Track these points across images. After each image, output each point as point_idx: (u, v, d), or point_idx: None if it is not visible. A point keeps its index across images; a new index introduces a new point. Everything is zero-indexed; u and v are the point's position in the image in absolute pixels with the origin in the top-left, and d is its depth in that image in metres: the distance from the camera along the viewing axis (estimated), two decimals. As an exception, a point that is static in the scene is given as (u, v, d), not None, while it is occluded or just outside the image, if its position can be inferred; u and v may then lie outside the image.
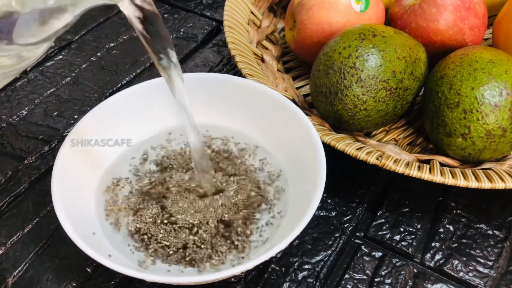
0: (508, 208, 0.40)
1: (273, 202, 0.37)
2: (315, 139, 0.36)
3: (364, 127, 0.41)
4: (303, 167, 0.37)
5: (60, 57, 0.53)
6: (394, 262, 0.37)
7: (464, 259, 0.37)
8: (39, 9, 0.25)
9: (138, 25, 0.26)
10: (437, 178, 0.37)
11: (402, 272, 0.37)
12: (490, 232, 0.39)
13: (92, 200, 0.37)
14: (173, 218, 0.36)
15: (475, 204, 0.40)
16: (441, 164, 0.40)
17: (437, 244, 0.38)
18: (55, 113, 0.47)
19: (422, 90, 0.42)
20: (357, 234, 0.39)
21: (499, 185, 0.37)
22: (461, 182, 0.37)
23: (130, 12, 0.26)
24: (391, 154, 0.39)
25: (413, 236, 0.39)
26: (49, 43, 0.30)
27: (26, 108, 0.48)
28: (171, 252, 0.34)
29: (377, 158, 0.38)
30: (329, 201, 0.41)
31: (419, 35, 0.43)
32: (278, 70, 0.49)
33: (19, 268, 0.37)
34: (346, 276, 0.36)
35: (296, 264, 0.37)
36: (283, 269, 0.37)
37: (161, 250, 0.34)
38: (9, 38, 0.26)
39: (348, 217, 0.40)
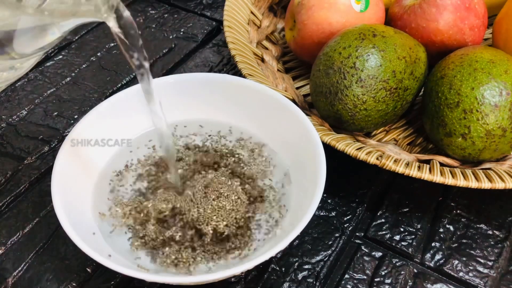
0: (508, 208, 0.40)
1: (273, 202, 0.37)
2: (315, 139, 0.36)
3: (364, 127, 0.41)
4: (303, 167, 0.37)
5: (60, 57, 0.53)
6: (394, 262, 0.37)
7: (464, 259, 0.37)
8: (29, 26, 0.27)
9: (122, 38, 0.29)
10: (437, 178, 0.37)
11: (402, 272, 0.37)
12: (490, 232, 0.39)
13: (92, 200, 0.37)
14: (173, 218, 0.36)
15: (475, 204, 0.40)
16: (441, 164, 0.40)
17: (437, 244, 0.38)
18: (55, 113, 0.47)
19: (422, 90, 0.42)
20: (357, 234, 0.39)
21: (499, 185, 0.37)
22: (461, 182, 0.37)
23: (115, 27, 0.29)
24: (391, 154, 0.39)
25: (413, 236, 0.39)
26: (42, 53, 0.31)
27: (26, 108, 0.48)
28: (171, 252, 0.34)
29: (377, 158, 0.38)
30: (329, 201, 0.41)
31: (419, 35, 0.43)
32: (278, 70, 0.49)
33: (19, 268, 0.37)
34: (346, 276, 0.36)
35: (296, 264, 0.37)
36: (283, 269, 0.37)
37: (161, 250, 0.34)
38: (5, 52, 0.27)
39: (348, 217, 0.40)
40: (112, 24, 0.28)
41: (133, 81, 0.51)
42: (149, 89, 0.33)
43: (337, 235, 0.39)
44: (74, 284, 0.36)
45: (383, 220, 0.39)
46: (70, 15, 0.26)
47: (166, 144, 0.36)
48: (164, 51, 0.54)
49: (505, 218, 0.40)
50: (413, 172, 0.37)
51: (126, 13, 0.28)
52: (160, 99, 0.34)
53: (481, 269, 0.37)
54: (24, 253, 0.37)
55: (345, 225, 0.39)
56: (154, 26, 0.57)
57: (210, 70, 0.52)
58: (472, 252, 0.38)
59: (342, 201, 0.41)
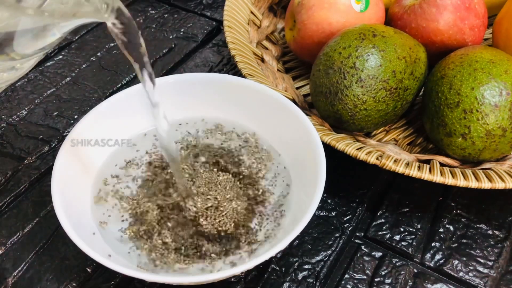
0: (508, 208, 0.40)
1: (273, 202, 0.37)
2: (315, 139, 0.36)
3: (364, 127, 0.41)
4: (303, 167, 0.37)
5: (60, 57, 0.53)
6: (394, 262, 0.37)
7: (464, 259, 0.37)
8: (29, 27, 0.27)
9: (122, 38, 0.29)
10: (437, 178, 0.37)
11: (402, 272, 0.37)
12: (490, 232, 0.39)
13: (92, 200, 0.37)
14: (172, 217, 0.36)
15: (475, 204, 0.40)
16: (441, 164, 0.40)
17: (437, 244, 0.38)
18: (55, 113, 0.47)
19: (422, 90, 0.42)
20: (357, 234, 0.39)
21: (499, 185, 0.37)
22: (461, 182, 0.37)
23: (115, 28, 0.29)
24: (391, 154, 0.39)
25: (413, 236, 0.39)
26: (43, 53, 0.32)
27: (26, 108, 0.48)
28: (170, 252, 0.34)
29: (377, 158, 0.38)
30: (329, 201, 0.41)
31: (419, 35, 0.43)
32: (278, 70, 0.49)
33: (19, 268, 0.37)
34: (346, 276, 0.36)
35: (296, 264, 0.37)
36: (283, 269, 0.37)
37: (160, 250, 0.34)
38: (5, 52, 0.28)
39: (348, 217, 0.40)
40: (113, 25, 0.28)
41: (133, 81, 0.51)
42: (152, 96, 0.33)
43: (337, 235, 0.39)
44: (74, 284, 0.36)
45: (383, 220, 0.39)
46: (70, 16, 0.26)
47: (169, 149, 0.35)
48: (164, 51, 0.54)
49: (505, 218, 0.40)
50: (413, 172, 0.37)
51: (127, 14, 0.28)
52: (164, 112, 0.34)
53: (481, 269, 0.37)
54: (24, 253, 0.37)
55: (345, 225, 0.39)
56: (154, 26, 0.57)
57: (210, 70, 0.52)
58: (472, 252, 0.38)
59: (342, 201, 0.41)
